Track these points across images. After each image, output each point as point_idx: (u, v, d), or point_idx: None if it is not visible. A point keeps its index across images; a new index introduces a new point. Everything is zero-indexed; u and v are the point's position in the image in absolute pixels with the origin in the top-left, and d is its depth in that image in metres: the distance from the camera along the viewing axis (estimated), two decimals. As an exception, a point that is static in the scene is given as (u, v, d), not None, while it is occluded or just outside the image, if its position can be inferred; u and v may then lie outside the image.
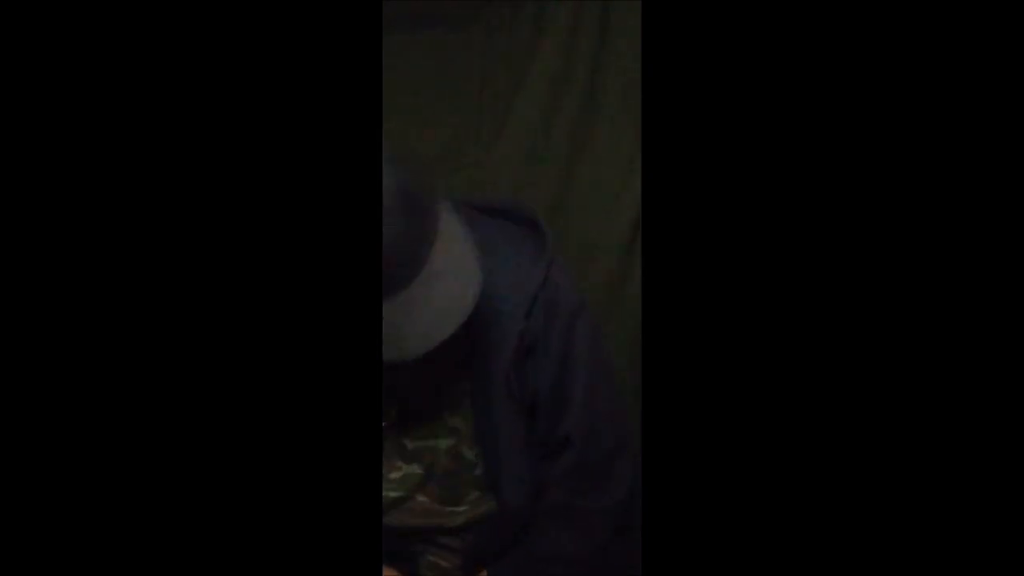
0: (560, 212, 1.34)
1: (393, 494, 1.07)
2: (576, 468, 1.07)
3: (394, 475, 1.07)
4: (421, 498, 1.07)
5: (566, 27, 1.38)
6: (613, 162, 1.39)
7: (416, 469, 1.06)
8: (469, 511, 1.08)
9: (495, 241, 0.94)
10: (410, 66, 1.31)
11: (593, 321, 1.09)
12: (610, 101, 1.38)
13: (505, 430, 1.04)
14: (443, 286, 0.89)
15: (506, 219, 1.05)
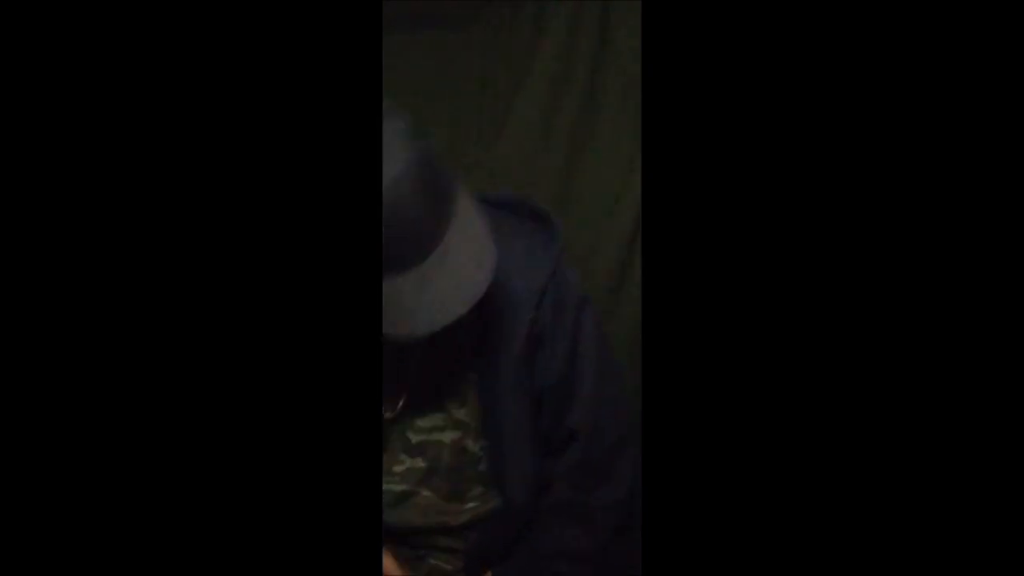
0: (560, 212, 1.34)
1: (396, 488, 1.06)
2: (580, 463, 1.06)
3: (397, 468, 1.06)
4: (425, 493, 1.07)
5: (566, 27, 1.38)
6: (613, 162, 1.39)
7: (420, 463, 1.06)
8: (473, 509, 1.07)
9: (505, 232, 0.94)
10: (410, 66, 1.31)
11: (596, 316, 1.09)
12: (610, 101, 1.38)
13: (511, 423, 1.04)
14: (456, 266, 0.89)
15: (512, 212, 1.05)
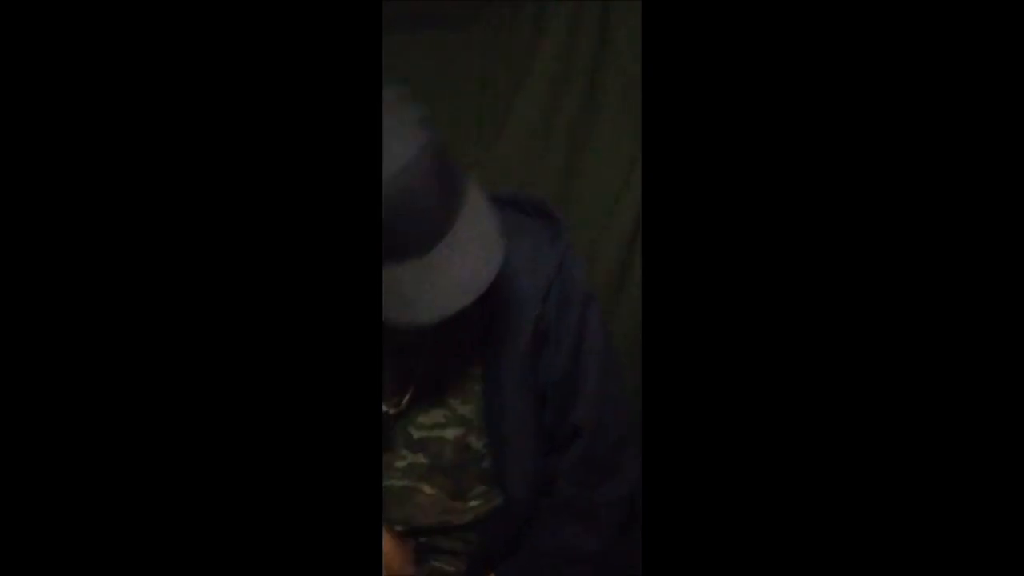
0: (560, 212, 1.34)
1: (398, 484, 1.06)
2: (584, 460, 1.06)
3: (399, 464, 1.06)
4: (428, 490, 1.06)
5: (566, 27, 1.38)
6: (613, 162, 1.39)
7: (421, 459, 1.05)
8: (476, 508, 1.07)
9: (511, 228, 0.94)
10: (410, 66, 1.31)
11: (600, 313, 1.09)
12: (610, 101, 1.38)
13: (515, 419, 1.03)
14: (464, 256, 0.88)
15: (518, 210, 1.05)
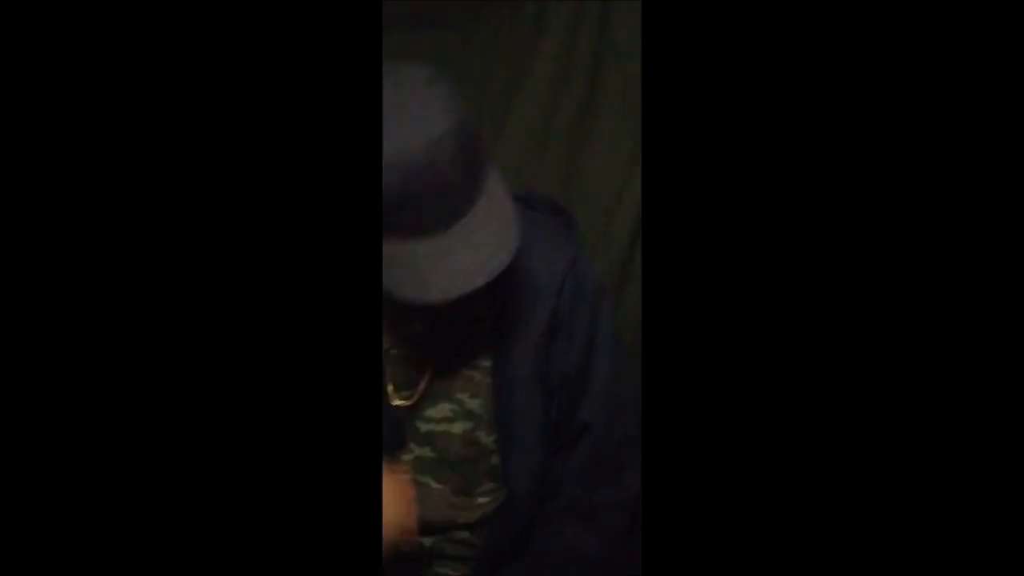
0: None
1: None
2: (592, 457, 1.06)
3: (405, 457, 1.05)
4: (435, 485, 1.06)
5: (566, 27, 1.38)
6: (613, 162, 1.39)
7: (428, 453, 1.05)
8: (483, 505, 1.06)
9: (525, 221, 0.94)
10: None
11: (613, 309, 1.08)
12: (610, 101, 1.38)
13: (523, 413, 1.03)
14: (480, 240, 0.89)
15: (529, 206, 1.05)
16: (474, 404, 1.04)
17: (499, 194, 0.91)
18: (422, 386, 1.03)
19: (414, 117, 0.85)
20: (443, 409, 1.04)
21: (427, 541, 1.08)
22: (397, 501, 0.95)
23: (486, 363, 1.04)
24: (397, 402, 1.04)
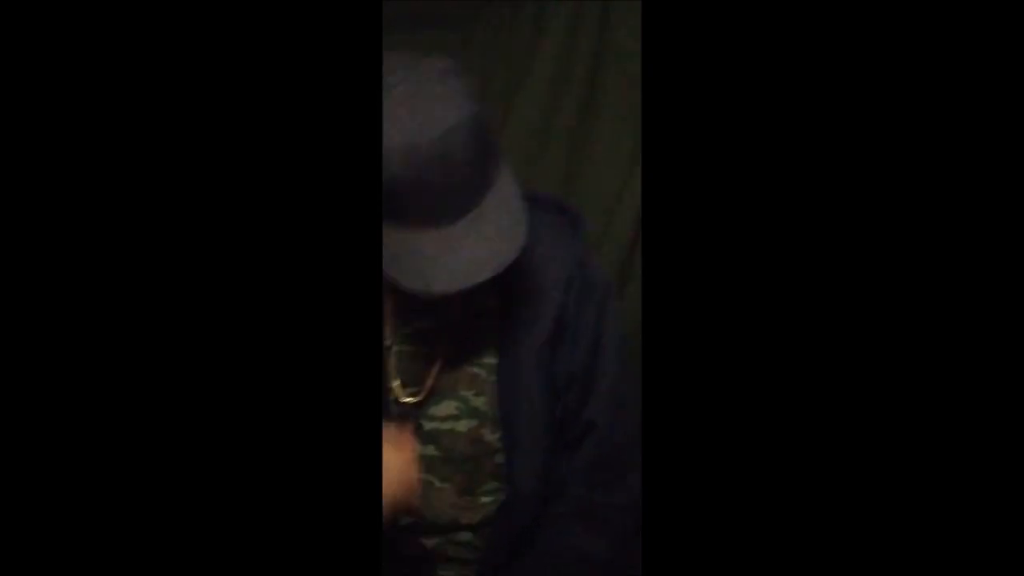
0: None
1: None
2: (596, 459, 1.05)
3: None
4: (438, 484, 1.05)
5: (566, 27, 1.38)
6: (613, 162, 1.39)
7: (432, 451, 1.04)
8: (487, 506, 1.05)
9: (533, 220, 0.94)
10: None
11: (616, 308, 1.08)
12: (610, 101, 1.38)
13: (528, 411, 1.03)
14: (488, 233, 0.88)
15: (536, 206, 1.05)
16: (479, 402, 1.03)
17: (509, 190, 0.91)
18: (429, 383, 1.03)
19: (429, 106, 0.85)
20: (448, 407, 1.04)
21: (429, 543, 1.08)
22: (398, 460, 0.94)
23: (492, 360, 1.03)
24: (405, 399, 1.03)
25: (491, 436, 1.04)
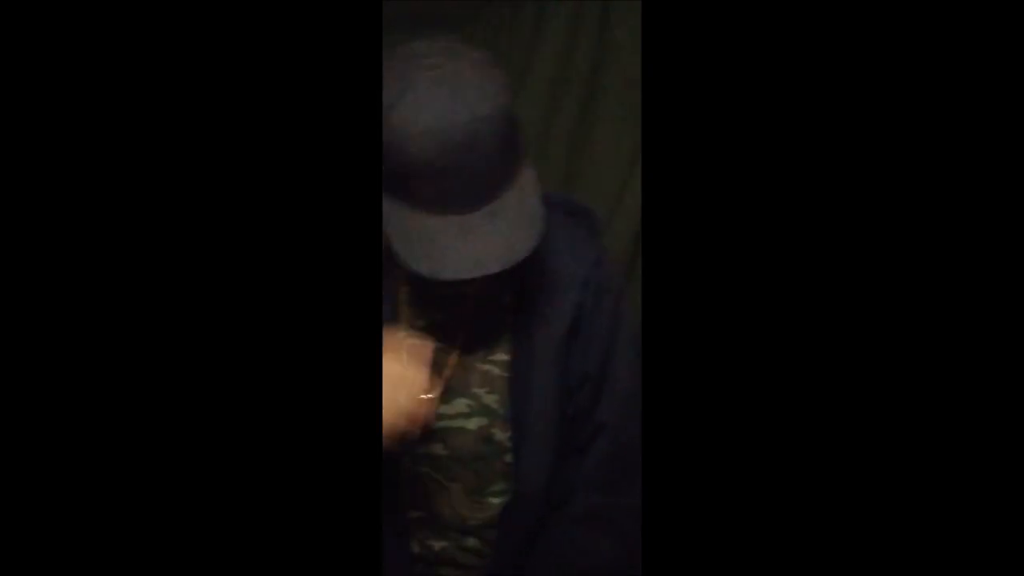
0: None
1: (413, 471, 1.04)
2: (608, 460, 1.05)
3: (418, 451, 1.04)
4: (446, 483, 1.04)
5: (566, 27, 1.38)
6: (613, 162, 1.39)
7: (440, 450, 1.04)
8: (495, 506, 1.05)
9: (550, 220, 0.93)
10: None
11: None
12: (610, 101, 1.38)
13: (540, 409, 1.02)
14: (504, 227, 0.88)
15: (552, 207, 1.04)
16: (491, 399, 1.03)
17: (529, 189, 0.91)
18: (446, 374, 1.02)
19: (463, 93, 0.85)
20: (459, 404, 1.03)
21: (438, 545, 1.08)
22: (406, 371, 0.90)
23: (504, 358, 1.03)
24: (422, 395, 1.03)
25: (502, 435, 1.03)
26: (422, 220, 0.87)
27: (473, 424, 1.03)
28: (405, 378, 0.88)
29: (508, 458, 1.04)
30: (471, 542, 1.07)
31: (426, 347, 0.93)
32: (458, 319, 1.02)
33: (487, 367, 1.03)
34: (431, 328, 1.02)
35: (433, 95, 0.84)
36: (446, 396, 1.02)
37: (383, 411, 0.84)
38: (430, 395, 0.93)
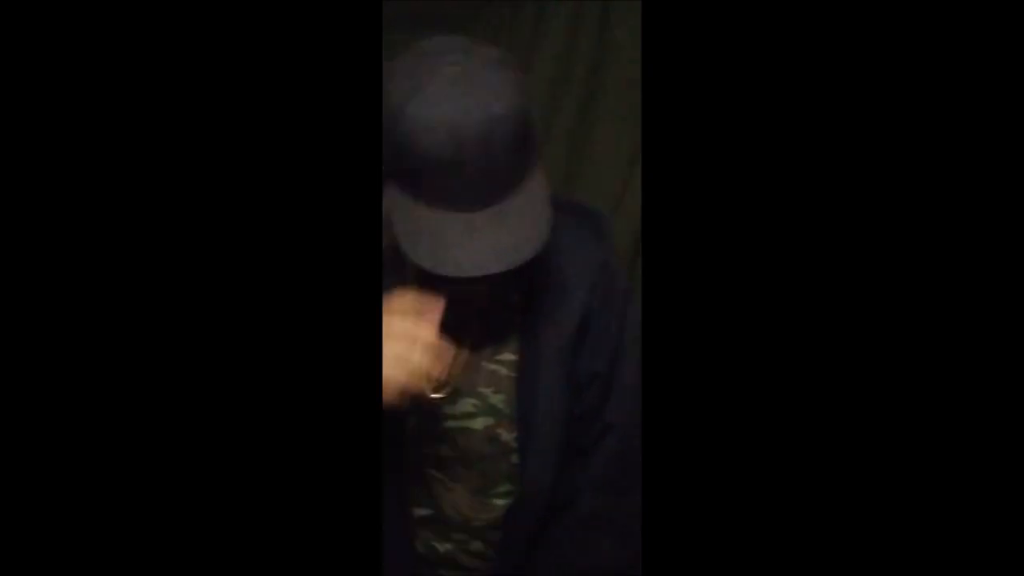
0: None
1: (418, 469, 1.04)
2: (614, 461, 1.05)
3: (425, 451, 1.04)
4: (451, 484, 1.04)
5: (566, 27, 1.38)
6: (613, 162, 1.39)
7: (446, 450, 1.04)
8: (499, 508, 1.05)
9: (559, 222, 0.93)
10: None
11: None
12: (610, 101, 1.38)
13: (547, 408, 1.02)
14: (510, 228, 0.88)
15: (560, 209, 1.04)
16: (497, 399, 1.03)
17: (538, 192, 0.91)
18: (456, 373, 1.02)
19: (479, 92, 0.85)
20: (465, 404, 1.03)
21: (442, 547, 1.08)
22: (419, 329, 0.88)
23: (511, 357, 1.03)
24: (433, 395, 1.02)
25: (507, 435, 1.03)
26: (429, 214, 0.87)
27: (478, 424, 1.03)
28: (418, 335, 0.87)
29: (514, 459, 1.04)
30: (476, 545, 1.07)
31: (437, 306, 0.91)
32: (465, 318, 1.02)
33: (494, 367, 1.03)
34: (441, 327, 1.01)
35: (450, 91, 0.84)
36: (452, 396, 1.03)
37: (397, 369, 0.84)
38: (443, 352, 0.91)
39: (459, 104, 0.84)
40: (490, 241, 0.87)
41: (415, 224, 0.87)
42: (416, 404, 1.00)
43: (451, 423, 1.03)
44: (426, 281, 0.89)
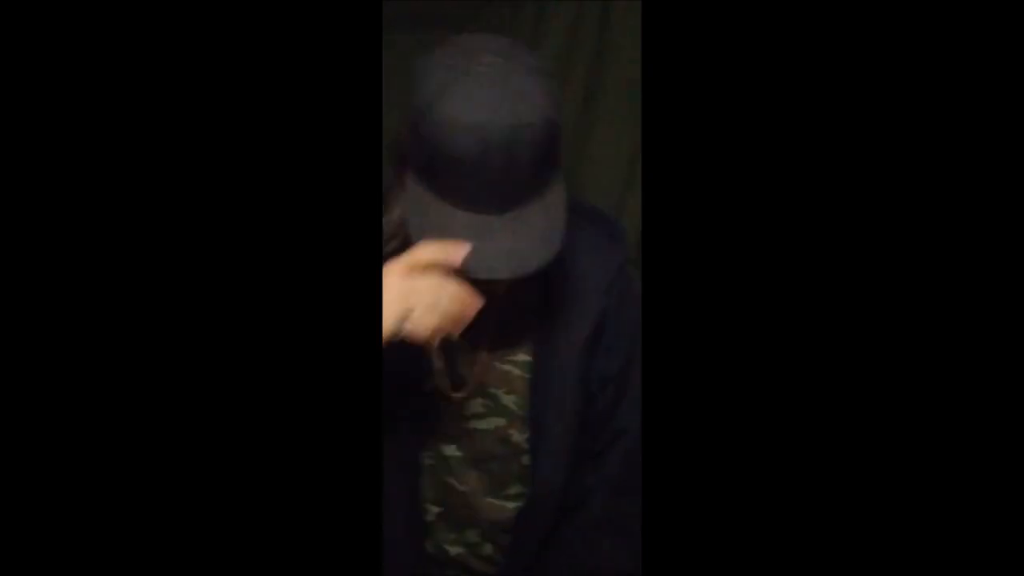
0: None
1: (428, 463, 1.04)
2: (626, 464, 1.05)
3: (428, 454, 1.04)
4: (460, 486, 1.04)
5: (566, 27, 1.38)
6: (613, 162, 1.39)
7: (455, 451, 1.04)
8: (510, 510, 1.05)
9: (575, 226, 0.94)
10: (410, 66, 1.31)
11: None
12: (610, 101, 1.38)
13: (559, 411, 1.02)
14: (525, 235, 0.88)
15: (579, 213, 1.04)
16: (510, 400, 1.03)
17: (556, 204, 0.91)
18: (476, 370, 1.02)
19: (511, 97, 0.84)
20: (475, 404, 1.03)
21: (452, 551, 1.08)
22: (444, 281, 0.88)
23: (525, 358, 1.03)
24: (454, 395, 1.02)
25: (519, 436, 1.03)
26: (445, 210, 0.87)
27: (490, 424, 1.03)
28: (445, 285, 0.87)
29: (525, 460, 1.03)
30: (487, 548, 1.07)
31: (461, 249, 0.89)
32: (479, 318, 1.02)
33: (507, 367, 1.03)
34: (468, 333, 1.01)
35: (483, 92, 0.84)
36: (469, 395, 1.02)
37: (428, 315, 0.85)
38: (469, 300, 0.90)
39: (490, 107, 0.84)
40: (504, 246, 0.87)
41: (431, 219, 0.87)
42: (437, 402, 1.01)
43: (462, 423, 1.03)
44: None
